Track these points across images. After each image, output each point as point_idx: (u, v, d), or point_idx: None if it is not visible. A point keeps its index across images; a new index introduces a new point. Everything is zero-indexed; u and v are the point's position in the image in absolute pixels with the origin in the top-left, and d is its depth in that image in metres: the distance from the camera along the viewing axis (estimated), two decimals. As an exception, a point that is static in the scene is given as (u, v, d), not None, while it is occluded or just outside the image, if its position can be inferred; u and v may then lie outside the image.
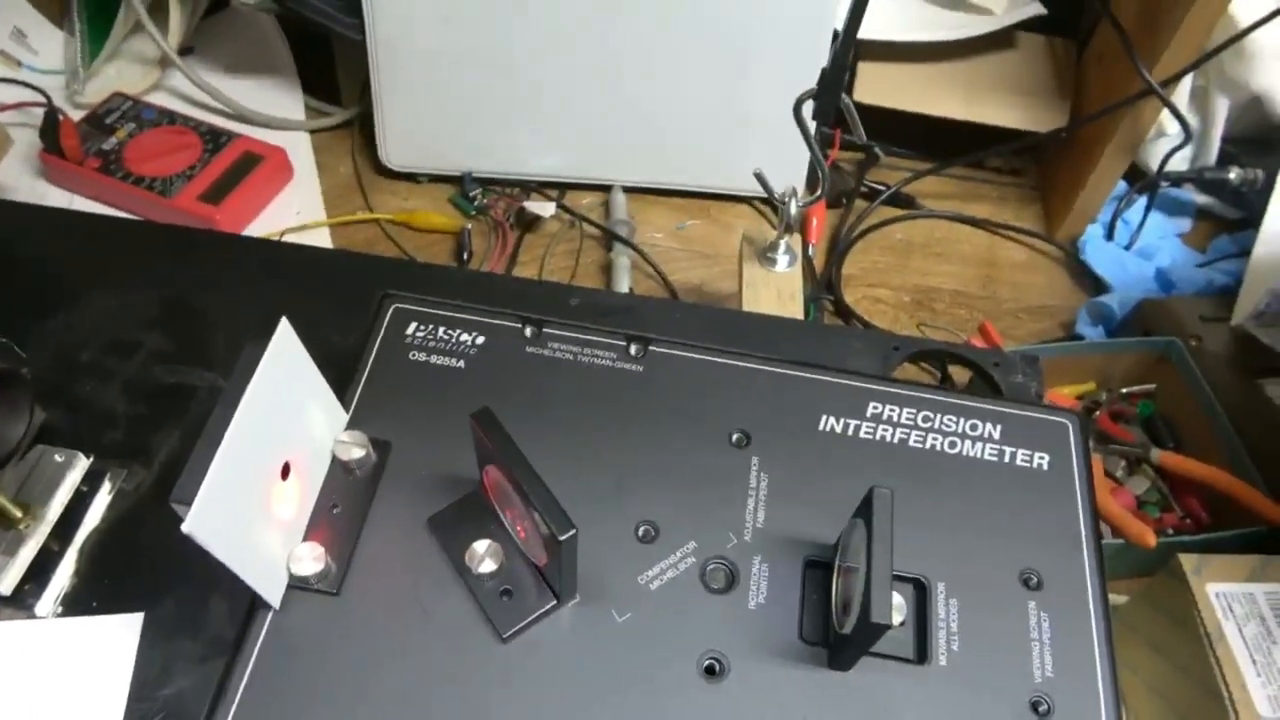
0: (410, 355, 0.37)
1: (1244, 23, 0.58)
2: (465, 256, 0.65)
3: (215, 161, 0.66)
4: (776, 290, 0.53)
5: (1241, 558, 0.42)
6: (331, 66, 0.75)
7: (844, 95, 0.45)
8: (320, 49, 0.75)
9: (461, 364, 0.37)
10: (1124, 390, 0.57)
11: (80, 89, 0.72)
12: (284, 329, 0.30)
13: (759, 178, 0.50)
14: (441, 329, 0.38)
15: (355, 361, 0.38)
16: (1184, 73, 0.57)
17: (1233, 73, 0.63)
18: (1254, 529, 0.48)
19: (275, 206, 0.68)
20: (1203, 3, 0.53)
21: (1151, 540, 0.46)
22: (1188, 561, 0.42)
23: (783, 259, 0.53)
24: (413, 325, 0.38)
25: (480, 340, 0.38)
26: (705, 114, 0.65)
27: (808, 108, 0.46)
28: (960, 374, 0.48)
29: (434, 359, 0.37)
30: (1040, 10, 0.65)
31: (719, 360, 0.38)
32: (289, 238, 0.65)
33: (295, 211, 0.67)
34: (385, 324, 0.38)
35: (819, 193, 0.51)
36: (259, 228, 0.66)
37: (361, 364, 0.37)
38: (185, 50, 0.76)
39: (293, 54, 0.76)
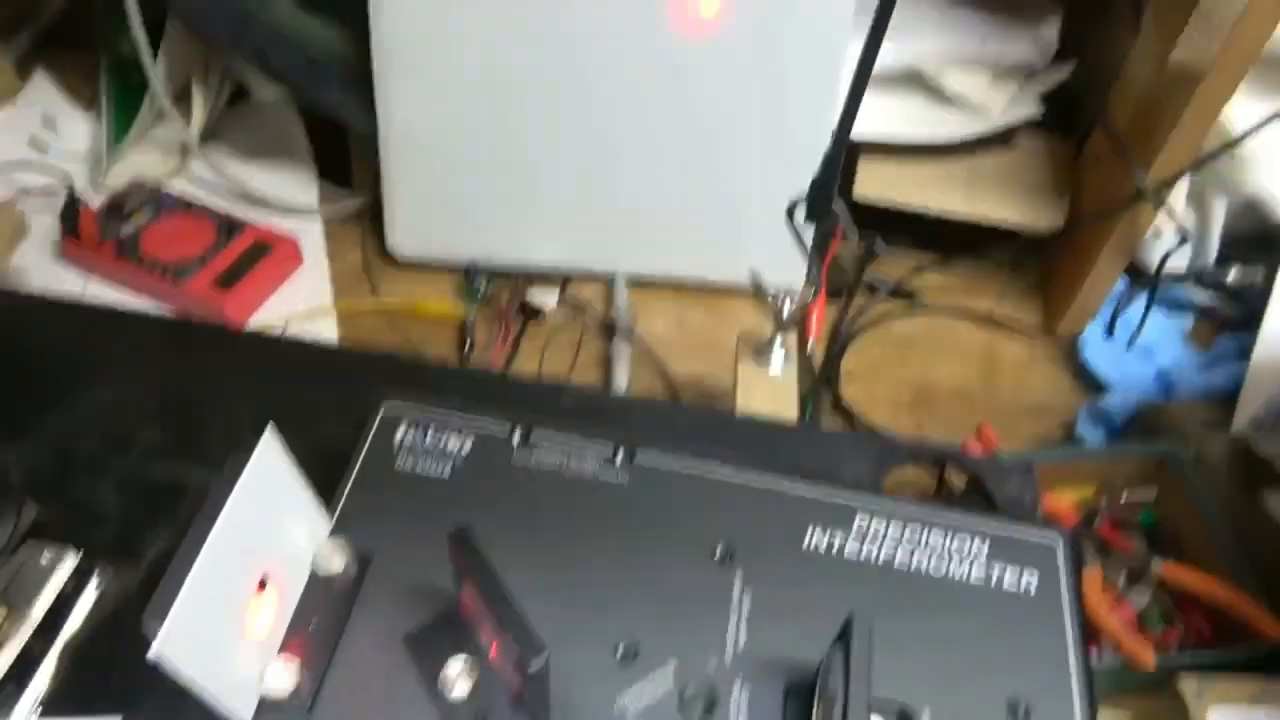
0: (397, 463, 0.37)
1: (1237, 127, 0.59)
2: (467, 346, 0.65)
3: (228, 249, 0.67)
4: (771, 391, 0.53)
5: (1244, 681, 0.41)
6: (348, 153, 0.77)
7: (837, 199, 0.46)
8: (338, 135, 0.77)
9: (447, 473, 0.37)
10: (1125, 497, 0.56)
11: (103, 175, 0.74)
12: (268, 439, 0.30)
13: (753, 279, 0.51)
14: (430, 434, 0.38)
15: (344, 464, 0.38)
16: (1178, 177, 0.57)
17: (1228, 175, 0.63)
18: (1258, 647, 0.47)
19: (284, 293, 0.69)
20: (1195, 110, 0.54)
21: (1150, 661, 0.45)
22: (1189, 685, 0.41)
23: (777, 358, 0.53)
24: (402, 430, 0.38)
25: (468, 446, 0.38)
26: (706, 207, 0.66)
27: (801, 212, 0.47)
28: (960, 474, 0.48)
29: (420, 467, 0.37)
30: (1037, 112, 0.67)
31: (706, 472, 0.38)
32: (295, 324, 0.66)
33: (303, 298, 0.68)
34: (374, 429, 0.39)
35: (811, 296, 0.51)
36: (267, 314, 0.67)
37: (348, 470, 0.37)
38: (207, 137, 0.78)
39: (310, 140, 0.78)
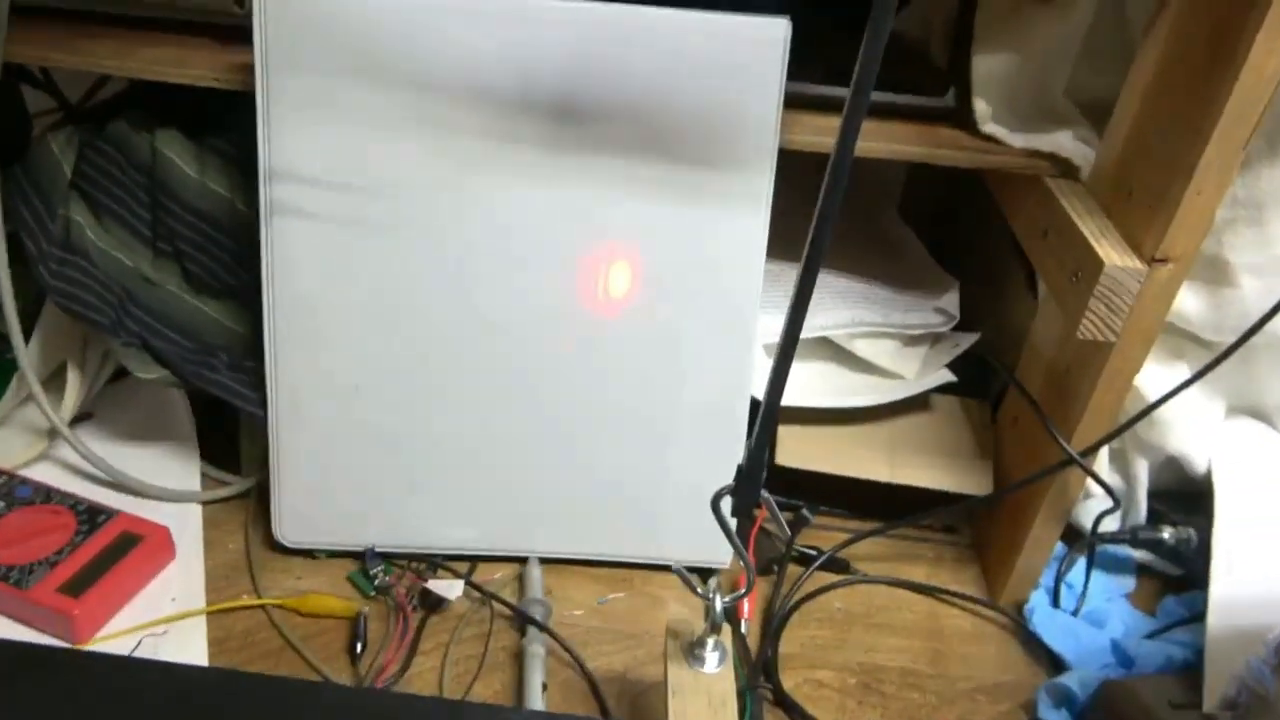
0: None
1: (1147, 391, 0.59)
2: (359, 648, 0.57)
3: (87, 544, 0.60)
4: (707, 696, 0.46)
5: None
6: (235, 433, 0.72)
7: (764, 491, 0.42)
8: (225, 413, 0.72)
9: None
10: (1107, 798, 0.50)
11: (-46, 463, 0.67)
12: None
13: (679, 574, 0.46)
14: (291, 807, 0.31)
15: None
16: (1100, 445, 0.57)
17: (1147, 437, 0.63)
18: None
19: (150, 592, 0.61)
20: (1107, 382, 0.54)
21: None
22: None
23: (712, 658, 0.48)
24: (256, 802, 0.31)
25: (339, 821, 0.31)
26: (624, 483, 0.63)
27: (726, 503, 0.43)
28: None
29: None
30: (950, 377, 0.67)
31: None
32: (159, 629, 0.58)
33: (171, 598, 0.60)
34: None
35: (745, 589, 0.47)
36: (127, 618, 0.59)
37: None
38: (84, 416, 0.73)
39: (196, 418, 0.73)
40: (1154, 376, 0.60)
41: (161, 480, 0.68)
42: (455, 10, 0.54)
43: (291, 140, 0.56)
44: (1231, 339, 0.54)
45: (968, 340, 0.68)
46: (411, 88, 0.55)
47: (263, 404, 0.61)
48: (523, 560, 0.65)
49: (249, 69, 0.56)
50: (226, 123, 0.63)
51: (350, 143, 0.56)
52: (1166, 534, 0.65)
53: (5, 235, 0.61)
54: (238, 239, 0.63)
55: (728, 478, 0.44)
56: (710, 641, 0.47)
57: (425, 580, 0.61)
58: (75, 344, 0.68)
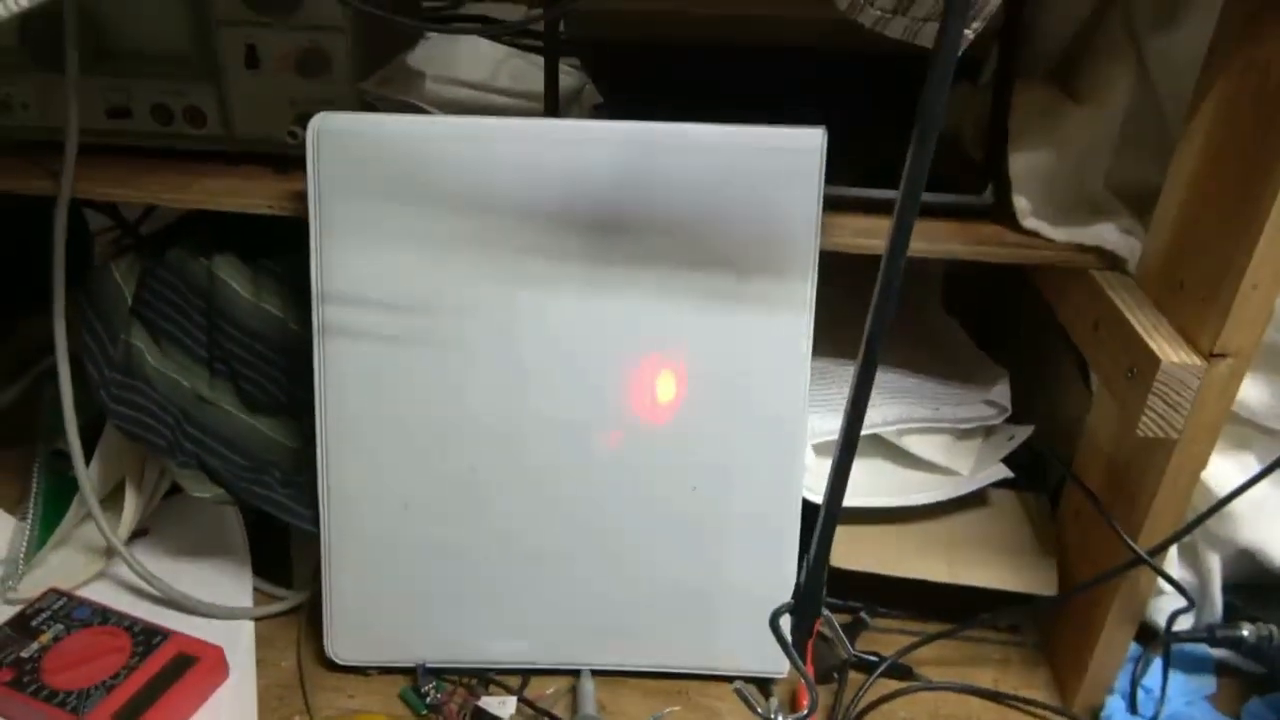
0: None
1: (1215, 483, 0.57)
2: (412, 772, 0.56)
3: (142, 667, 0.60)
4: (772, 825, 0.45)
5: None
6: (288, 549, 0.72)
7: (825, 611, 0.41)
8: (277, 531, 0.73)
9: None
10: None
11: (15, 584, 0.68)
12: None
13: (740, 694, 0.45)
14: None
15: None
16: (1169, 543, 0.55)
17: (1217, 530, 0.61)
18: None
19: (204, 715, 0.60)
20: (1172, 478, 0.52)
21: None
22: None
23: (775, 783, 0.46)
24: None
25: None
26: (676, 591, 0.62)
27: (786, 623, 0.42)
28: None
29: None
30: (1007, 473, 0.65)
31: None
32: (212, 756, 0.57)
33: (226, 718, 0.60)
34: None
35: (809, 709, 0.45)
36: (181, 742, 0.59)
37: None
38: (140, 532, 0.74)
39: (249, 531, 0.73)
40: (1221, 468, 0.58)
41: (215, 597, 0.68)
42: (500, 134, 0.56)
43: (343, 262, 0.58)
44: (1300, 429, 0.52)
45: (1023, 433, 0.66)
46: (459, 209, 0.57)
47: (315, 520, 0.61)
48: (575, 673, 0.63)
49: (302, 196, 0.58)
50: (280, 245, 0.65)
51: (400, 263, 0.58)
52: (1246, 631, 0.62)
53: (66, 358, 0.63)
54: (291, 357, 0.65)
55: (780, 581, 0.43)
56: (774, 767, 0.46)
57: (477, 698, 0.60)
58: (134, 463, 0.69)
